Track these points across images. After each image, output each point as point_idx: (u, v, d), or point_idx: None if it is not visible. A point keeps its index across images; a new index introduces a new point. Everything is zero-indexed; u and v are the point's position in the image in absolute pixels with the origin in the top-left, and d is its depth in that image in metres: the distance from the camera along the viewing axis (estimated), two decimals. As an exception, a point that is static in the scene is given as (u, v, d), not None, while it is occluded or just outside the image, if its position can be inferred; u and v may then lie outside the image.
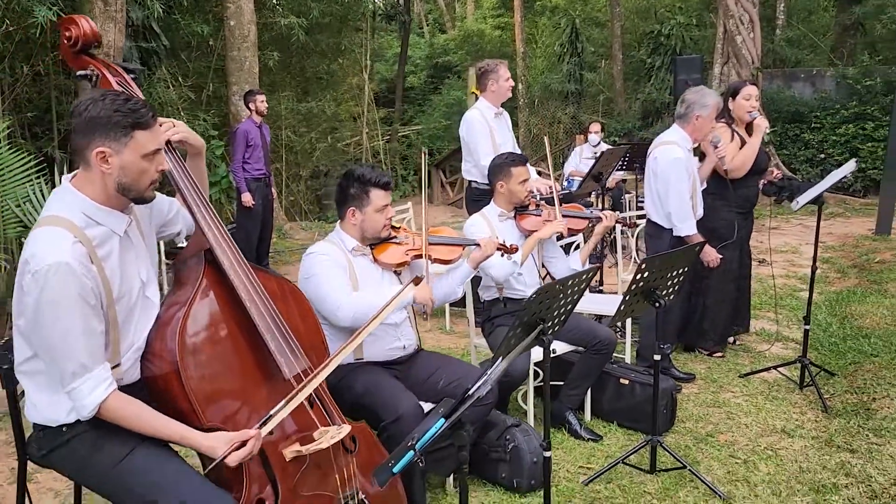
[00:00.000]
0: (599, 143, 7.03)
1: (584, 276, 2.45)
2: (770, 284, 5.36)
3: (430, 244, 2.76)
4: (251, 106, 5.65)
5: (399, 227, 2.80)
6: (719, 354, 4.20)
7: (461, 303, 4.87)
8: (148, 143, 1.72)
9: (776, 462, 2.97)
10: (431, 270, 2.91)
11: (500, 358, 1.87)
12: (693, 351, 4.25)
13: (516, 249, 2.97)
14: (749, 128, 3.99)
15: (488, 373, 1.71)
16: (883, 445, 2.99)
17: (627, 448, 3.09)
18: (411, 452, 1.57)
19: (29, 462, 1.91)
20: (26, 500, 2.00)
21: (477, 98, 4.66)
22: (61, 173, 4.20)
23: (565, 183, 6.24)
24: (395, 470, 1.59)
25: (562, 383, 3.27)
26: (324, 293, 2.46)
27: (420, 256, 2.77)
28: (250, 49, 6.41)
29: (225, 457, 1.68)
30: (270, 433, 1.93)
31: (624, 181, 7.19)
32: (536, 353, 3.03)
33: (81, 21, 2.04)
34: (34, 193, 3.93)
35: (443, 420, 1.61)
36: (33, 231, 1.69)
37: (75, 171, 1.80)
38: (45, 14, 4.30)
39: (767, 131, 3.92)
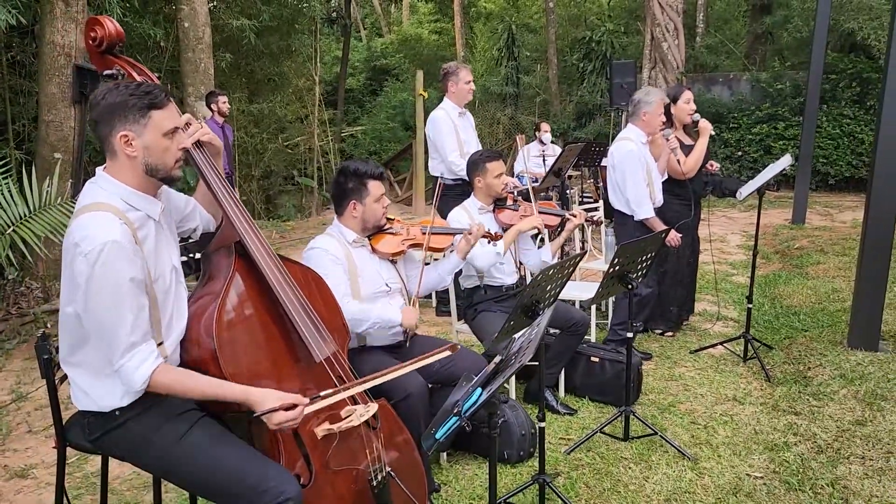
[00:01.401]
0: (549, 141, 7.39)
1: (572, 261, 2.71)
2: (705, 270, 5.82)
3: (424, 234, 2.94)
4: (213, 107, 5.64)
5: (393, 219, 2.96)
6: (670, 334, 4.58)
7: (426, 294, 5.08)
8: (165, 121, 1.81)
9: (732, 426, 3.32)
10: (417, 258, 3.10)
11: (518, 333, 2.08)
12: (646, 332, 4.61)
13: (500, 237, 3.20)
14: (687, 129, 4.39)
15: (516, 346, 1.92)
16: (822, 407, 3.38)
17: (600, 420, 3.37)
18: (455, 418, 1.75)
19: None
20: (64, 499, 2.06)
21: (425, 100, 4.87)
22: (28, 174, 4.14)
23: (517, 180, 6.53)
24: (437, 436, 1.76)
25: (536, 364, 3.51)
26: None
27: (415, 246, 2.94)
28: (205, 51, 6.38)
29: (272, 411, 1.75)
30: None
31: (570, 177, 7.57)
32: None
33: (106, 22, 2.09)
34: (2, 195, 3.86)
35: (480, 389, 1.81)
36: (76, 219, 1.74)
37: (104, 164, 1.87)
38: (6, 17, 4.20)
39: (712, 132, 4.31)
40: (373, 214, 2.78)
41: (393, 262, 2.93)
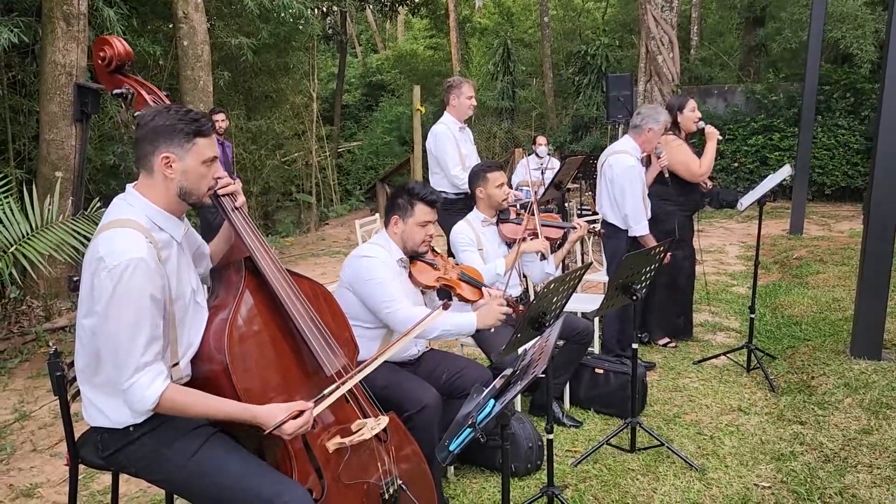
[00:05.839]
0: (546, 154, 7.43)
1: (577, 273, 2.72)
2: (704, 282, 5.83)
3: (460, 279, 2.91)
4: (210, 125, 5.69)
5: (438, 253, 2.94)
6: (672, 345, 4.59)
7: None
8: (207, 149, 1.86)
9: (738, 436, 3.32)
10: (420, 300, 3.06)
11: (527, 344, 2.09)
12: (648, 343, 4.61)
13: (523, 311, 3.18)
14: (688, 139, 4.44)
15: (527, 359, 1.93)
16: (827, 417, 3.38)
17: (606, 431, 3.37)
18: (469, 429, 1.75)
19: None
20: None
21: (422, 115, 4.89)
22: (30, 193, 4.15)
23: (521, 193, 6.58)
24: (451, 448, 1.76)
25: (543, 376, 3.51)
26: (388, 297, 2.60)
27: (447, 286, 2.88)
28: (204, 69, 6.43)
29: (282, 423, 1.78)
30: (313, 427, 2.07)
31: (568, 190, 7.60)
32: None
33: (115, 41, 2.11)
34: (3, 213, 3.87)
35: (493, 401, 1.81)
36: (102, 234, 1.76)
37: (135, 181, 1.90)
38: (8, 36, 4.23)
39: (720, 138, 4.39)
40: (411, 237, 2.76)
41: (423, 292, 2.93)
